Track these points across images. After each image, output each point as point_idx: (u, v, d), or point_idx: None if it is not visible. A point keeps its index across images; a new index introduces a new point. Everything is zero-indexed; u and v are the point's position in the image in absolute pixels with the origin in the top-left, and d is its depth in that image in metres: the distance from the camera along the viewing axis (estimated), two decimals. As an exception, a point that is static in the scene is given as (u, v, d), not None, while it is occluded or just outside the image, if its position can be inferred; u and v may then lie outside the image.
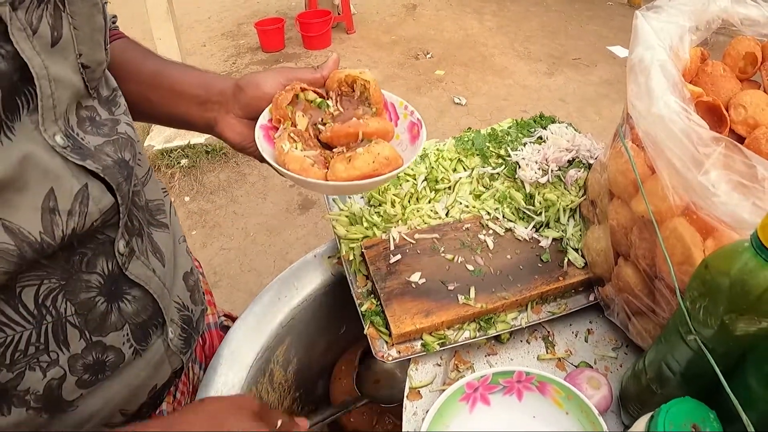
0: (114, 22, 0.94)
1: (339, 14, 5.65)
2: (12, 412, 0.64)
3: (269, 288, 1.01)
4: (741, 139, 0.84)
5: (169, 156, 4.18)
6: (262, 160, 0.83)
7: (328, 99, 0.90)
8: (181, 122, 0.94)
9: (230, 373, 0.89)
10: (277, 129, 0.86)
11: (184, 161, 4.15)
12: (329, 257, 1.03)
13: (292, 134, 0.82)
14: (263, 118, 0.87)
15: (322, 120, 0.88)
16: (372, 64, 5.27)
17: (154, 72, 0.91)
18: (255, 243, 3.46)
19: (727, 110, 0.87)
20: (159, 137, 4.28)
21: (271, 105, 0.87)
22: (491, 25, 6.01)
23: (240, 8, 6.86)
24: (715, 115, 0.87)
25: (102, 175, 0.65)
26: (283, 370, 0.99)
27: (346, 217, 1.02)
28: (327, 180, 0.77)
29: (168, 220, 0.85)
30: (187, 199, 3.89)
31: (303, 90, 0.88)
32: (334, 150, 0.85)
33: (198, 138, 4.19)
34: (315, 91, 0.89)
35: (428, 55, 5.26)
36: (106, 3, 0.73)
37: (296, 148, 0.80)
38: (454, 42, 5.60)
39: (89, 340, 0.68)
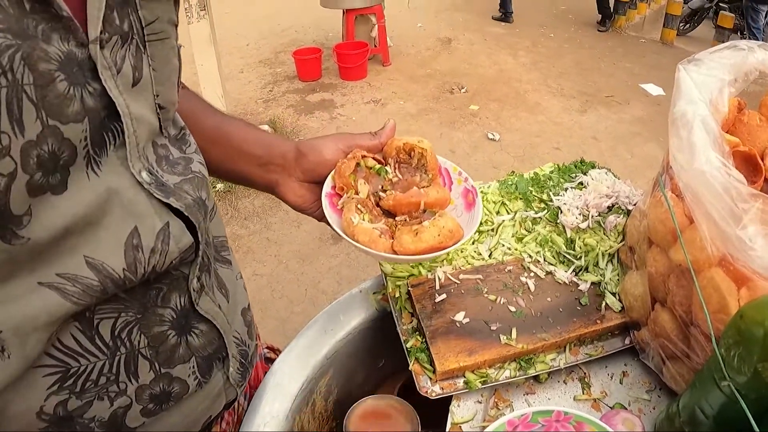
0: None
1: (375, 46, 5.77)
2: None
3: (315, 321, 1.06)
4: None
5: (206, 181, 4.28)
6: (322, 220, 0.88)
7: (386, 165, 0.94)
8: (240, 179, 0.98)
9: (275, 403, 0.93)
10: (340, 196, 0.90)
11: (219, 186, 4.26)
12: (374, 293, 1.08)
13: (359, 206, 0.86)
14: (327, 186, 0.91)
15: (382, 187, 0.93)
16: (407, 96, 5.37)
17: (215, 127, 0.94)
18: (287, 270, 3.53)
19: (762, 159, 0.91)
20: (197, 162, 4.40)
21: (333, 172, 0.91)
22: (525, 61, 6.10)
23: (278, 37, 7.05)
24: (750, 164, 0.91)
25: (186, 214, 0.68)
26: (324, 401, 1.04)
27: (392, 254, 1.07)
28: (394, 251, 0.82)
29: (230, 257, 0.89)
30: (222, 223, 3.97)
31: (363, 157, 0.92)
32: (396, 218, 0.89)
33: (235, 164, 4.29)
34: (374, 158, 0.93)
35: (462, 90, 5.35)
36: (181, 47, 0.76)
37: (364, 220, 0.84)
38: (488, 77, 5.68)
39: (158, 372, 0.71)
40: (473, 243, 1.07)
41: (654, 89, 5.50)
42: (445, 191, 0.91)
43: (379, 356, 1.16)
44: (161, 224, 0.66)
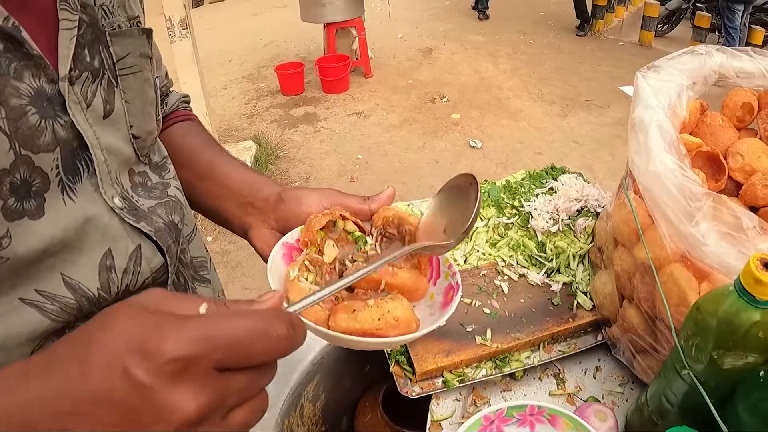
0: (186, 101, 1.02)
1: (357, 59, 5.83)
2: None
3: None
4: (739, 186, 0.92)
5: (193, 197, 4.31)
6: None
7: (368, 235, 0.83)
8: (220, 219, 0.92)
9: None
10: (301, 251, 0.80)
11: (206, 203, 4.26)
12: (356, 300, 1.12)
13: (308, 262, 0.76)
14: (290, 236, 0.81)
15: (352, 257, 0.82)
16: (389, 108, 5.43)
17: (208, 162, 0.92)
18: (275, 283, 3.55)
19: (725, 158, 0.95)
20: (183, 179, 4.43)
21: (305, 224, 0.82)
22: (506, 68, 6.18)
23: (260, 52, 7.10)
24: (714, 163, 0.96)
25: (154, 238, 0.72)
26: (312, 405, 1.08)
27: (372, 262, 1.11)
28: (327, 327, 0.69)
29: (210, 275, 0.92)
30: (209, 239, 4.01)
31: (344, 218, 0.82)
32: (355, 293, 0.77)
33: (220, 180, 4.32)
34: (357, 224, 0.83)
35: (444, 99, 5.41)
36: (157, 78, 0.81)
37: (306, 279, 0.74)
38: (469, 85, 5.76)
39: None
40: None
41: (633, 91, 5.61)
42: (423, 281, 0.79)
43: (365, 362, 1.20)
44: (134, 246, 0.70)
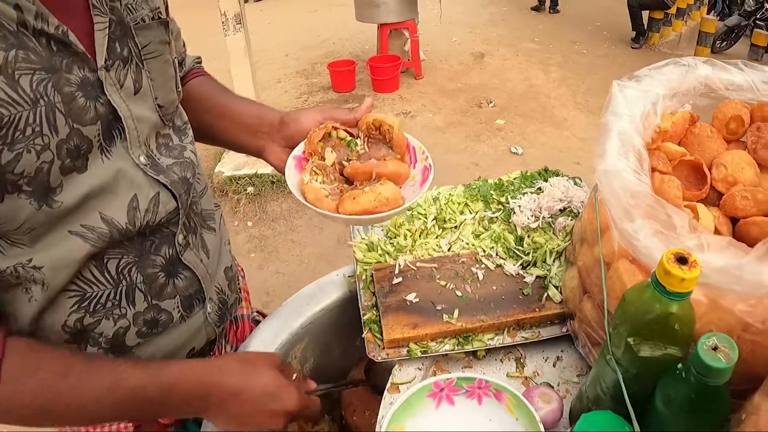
0: (199, 62, 1.21)
1: (408, 60, 5.92)
2: (87, 348, 0.89)
3: (297, 296, 1.21)
4: (721, 196, 0.96)
5: (237, 183, 4.50)
6: None
7: (357, 138, 1.02)
8: (238, 147, 1.17)
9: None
10: (308, 161, 1.00)
11: (250, 189, 4.45)
12: (349, 276, 1.22)
13: (315, 168, 0.96)
14: (298, 150, 1.01)
15: (347, 158, 1.00)
16: (436, 109, 5.51)
17: (223, 104, 1.15)
18: (308, 270, 3.69)
19: (710, 169, 0.99)
20: (229, 165, 4.61)
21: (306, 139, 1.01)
22: (555, 76, 6.17)
23: (316, 48, 7.27)
24: (698, 173, 1.01)
25: (170, 187, 0.91)
26: (300, 365, 1.18)
27: (366, 245, 1.21)
28: (338, 212, 0.91)
29: (216, 226, 1.09)
30: (250, 224, 4.17)
31: (336, 129, 1.01)
32: (354, 185, 0.97)
33: (265, 168, 4.50)
34: (347, 131, 1.02)
35: (491, 104, 5.45)
36: (175, 58, 0.99)
37: (316, 180, 0.94)
38: (517, 92, 5.78)
39: (150, 303, 0.93)
40: (436, 237, 1.20)
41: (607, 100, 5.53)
42: (404, 166, 0.98)
43: (356, 334, 1.29)
44: (153, 193, 0.89)
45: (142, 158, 0.88)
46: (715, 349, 0.63)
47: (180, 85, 1.00)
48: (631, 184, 0.82)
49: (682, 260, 0.64)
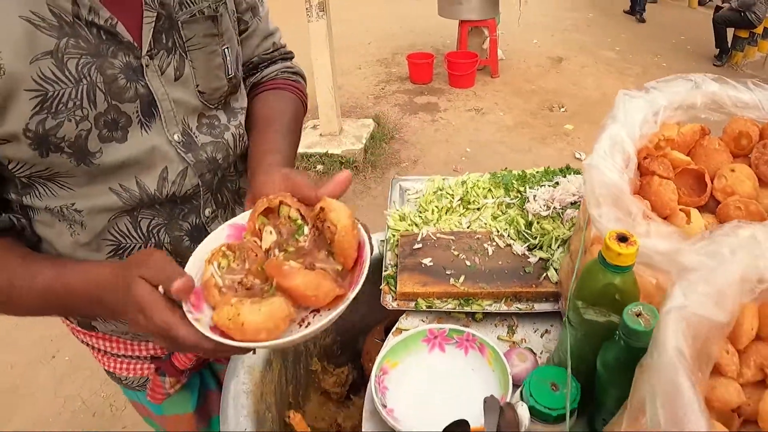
0: (291, 72, 1.30)
1: (486, 58, 6.01)
2: None
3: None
4: (719, 204, 1.05)
5: (308, 160, 4.74)
6: None
7: (306, 225, 0.84)
8: None
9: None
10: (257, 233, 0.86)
11: (320, 167, 4.68)
12: (381, 240, 1.40)
13: (226, 249, 0.82)
14: (242, 218, 0.89)
15: (285, 246, 0.83)
16: (507, 109, 5.59)
17: (256, 132, 1.15)
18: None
19: (712, 179, 1.08)
20: (303, 142, 4.86)
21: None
22: (631, 87, 6.11)
23: (398, 39, 7.43)
24: (701, 181, 1.09)
25: (193, 167, 1.03)
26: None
27: (399, 215, 1.38)
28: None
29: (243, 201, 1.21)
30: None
31: (287, 205, 0.85)
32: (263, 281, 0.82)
33: (335, 149, 4.72)
34: (301, 211, 0.84)
35: (562, 109, 5.49)
36: (226, 47, 1.06)
37: (219, 264, 0.81)
38: (590, 99, 5.78)
39: (176, 261, 1.06)
40: (459, 215, 1.36)
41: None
42: (324, 287, 0.77)
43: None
44: (182, 168, 1.02)
45: (176, 136, 1.00)
46: (638, 315, 0.77)
47: (232, 72, 1.08)
48: (606, 177, 0.95)
49: (622, 239, 0.78)
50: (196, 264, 0.83)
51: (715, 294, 0.58)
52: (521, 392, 0.91)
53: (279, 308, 0.73)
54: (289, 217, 0.84)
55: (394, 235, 1.32)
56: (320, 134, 4.97)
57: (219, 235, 0.87)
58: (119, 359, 1.27)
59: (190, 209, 1.09)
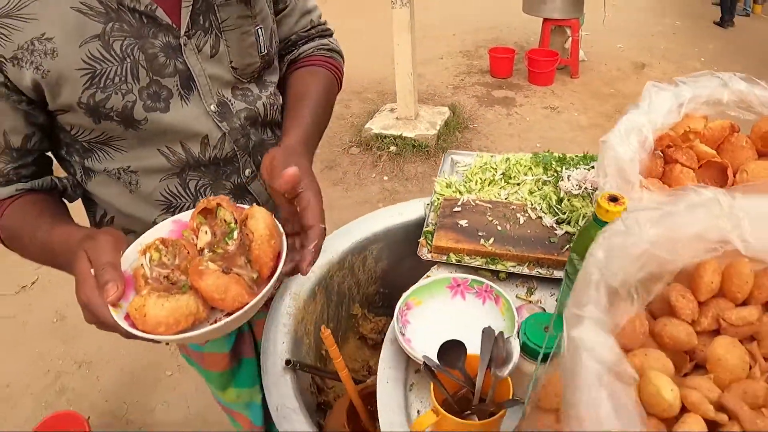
0: (327, 49, 1.39)
1: (567, 58, 6.00)
2: None
3: (387, 209, 1.57)
4: None
5: (382, 140, 4.91)
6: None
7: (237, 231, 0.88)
8: None
9: (341, 241, 1.48)
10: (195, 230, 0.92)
11: (393, 148, 4.85)
12: (427, 204, 1.56)
13: (159, 244, 0.86)
14: (187, 215, 0.94)
15: (214, 248, 0.87)
16: (583, 110, 5.58)
17: (287, 108, 1.27)
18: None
19: (734, 173, 1.15)
20: (378, 124, 5.04)
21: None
22: (715, 100, 5.96)
23: (483, 32, 7.48)
24: (724, 174, 1.16)
25: (228, 134, 1.17)
26: (374, 262, 1.54)
27: (446, 183, 1.53)
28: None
29: None
30: (385, 178, 4.57)
31: (223, 207, 0.90)
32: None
33: (409, 132, 4.88)
34: (235, 215, 0.90)
35: (637, 114, 5.43)
36: (259, 27, 1.16)
37: (150, 257, 0.85)
38: (669, 107, 5.68)
39: None
40: (500, 188, 1.50)
41: None
42: (232, 292, 0.79)
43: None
44: (220, 134, 1.16)
45: (212, 106, 1.12)
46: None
47: (264, 50, 1.19)
48: (616, 153, 1.08)
49: (613, 199, 0.91)
50: (134, 252, 0.87)
51: (662, 235, 0.70)
52: (517, 331, 1.04)
53: (183, 305, 0.76)
54: (224, 219, 0.88)
55: (438, 199, 1.47)
56: (396, 117, 5.13)
57: (161, 229, 0.91)
58: None
59: (232, 170, 1.23)
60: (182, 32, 1.05)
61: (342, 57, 1.44)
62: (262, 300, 0.81)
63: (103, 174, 1.15)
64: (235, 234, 0.85)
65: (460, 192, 1.49)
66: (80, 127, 1.06)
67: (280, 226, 0.89)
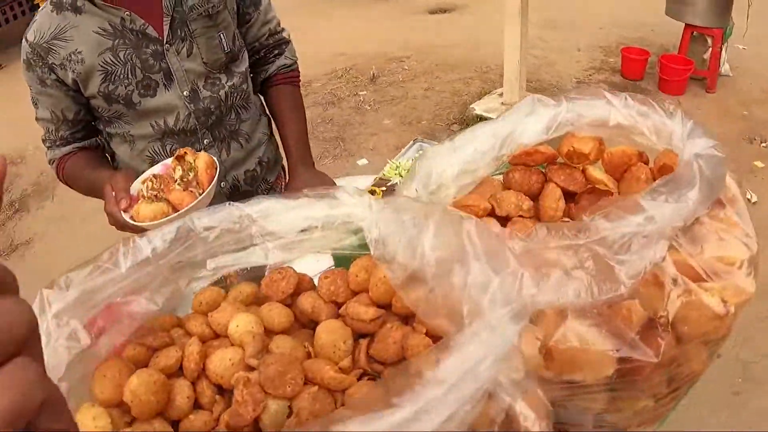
0: (287, 66, 1.90)
1: (706, 69, 5.53)
2: None
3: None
4: None
5: (483, 121, 4.86)
6: None
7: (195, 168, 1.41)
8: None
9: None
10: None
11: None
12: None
13: (152, 179, 1.41)
14: (169, 161, 1.48)
15: (183, 178, 1.40)
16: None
17: (279, 126, 1.89)
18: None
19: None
20: (482, 107, 5.08)
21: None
22: None
23: (631, 30, 7.01)
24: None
25: (193, 113, 1.65)
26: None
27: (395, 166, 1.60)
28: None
29: (243, 141, 1.79)
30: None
31: (189, 153, 1.43)
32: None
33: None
34: (206, 157, 1.43)
35: (763, 144, 4.92)
36: (221, 32, 1.62)
37: (145, 187, 1.40)
38: (802, 143, 5.08)
39: None
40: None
41: None
42: (188, 201, 1.34)
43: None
44: (187, 112, 1.65)
45: (185, 92, 1.60)
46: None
47: (231, 49, 1.64)
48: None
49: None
50: (138, 182, 1.43)
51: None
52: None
53: (159, 207, 1.31)
54: (189, 161, 1.40)
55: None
56: (502, 102, 5.07)
57: (154, 170, 1.46)
58: None
59: (195, 140, 1.68)
60: (165, 41, 1.53)
61: (295, 64, 1.91)
62: (201, 203, 1.32)
63: (117, 137, 1.67)
64: (193, 170, 1.38)
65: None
66: (101, 107, 1.58)
67: (217, 161, 1.43)
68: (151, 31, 1.50)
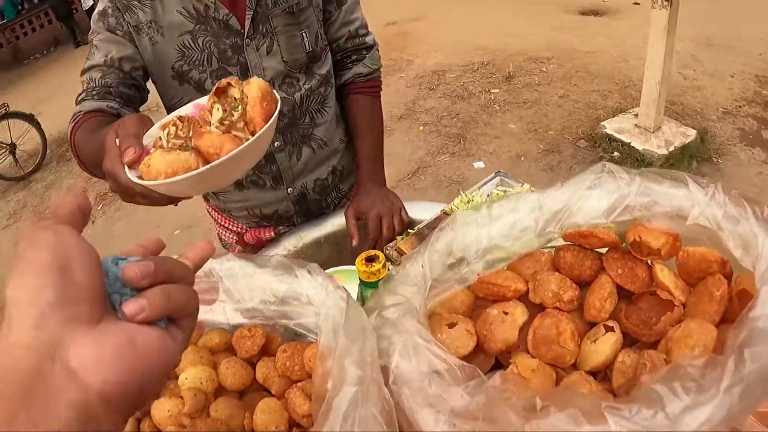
0: (362, 75, 1.68)
1: None
2: None
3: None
4: None
5: (610, 142, 4.71)
6: None
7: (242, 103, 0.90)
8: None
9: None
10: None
11: (616, 154, 4.55)
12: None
13: (178, 119, 0.89)
14: (206, 99, 0.96)
15: (224, 121, 0.88)
16: None
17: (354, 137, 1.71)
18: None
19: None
20: (615, 125, 4.69)
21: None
22: None
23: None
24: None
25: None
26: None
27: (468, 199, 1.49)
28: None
29: (316, 147, 1.63)
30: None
31: (233, 86, 0.92)
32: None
33: (639, 144, 4.48)
34: (243, 90, 0.90)
35: None
36: (304, 31, 1.46)
37: (165, 133, 0.88)
38: None
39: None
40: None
41: None
42: (226, 146, 0.83)
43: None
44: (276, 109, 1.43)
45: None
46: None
47: (312, 48, 1.48)
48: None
49: (370, 259, 0.91)
50: (157, 128, 0.92)
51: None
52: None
53: (183, 159, 0.80)
54: (233, 96, 0.90)
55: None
56: (636, 124, 4.70)
57: (182, 111, 0.96)
58: (221, 228, 1.83)
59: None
60: (246, 35, 1.39)
61: (377, 71, 1.69)
62: (249, 153, 0.85)
63: None
64: (240, 107, 0.87)
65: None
66: (172, 87, 1.44)
67: (275, 92, 0.94)
68: (234, 22, 1.37)
